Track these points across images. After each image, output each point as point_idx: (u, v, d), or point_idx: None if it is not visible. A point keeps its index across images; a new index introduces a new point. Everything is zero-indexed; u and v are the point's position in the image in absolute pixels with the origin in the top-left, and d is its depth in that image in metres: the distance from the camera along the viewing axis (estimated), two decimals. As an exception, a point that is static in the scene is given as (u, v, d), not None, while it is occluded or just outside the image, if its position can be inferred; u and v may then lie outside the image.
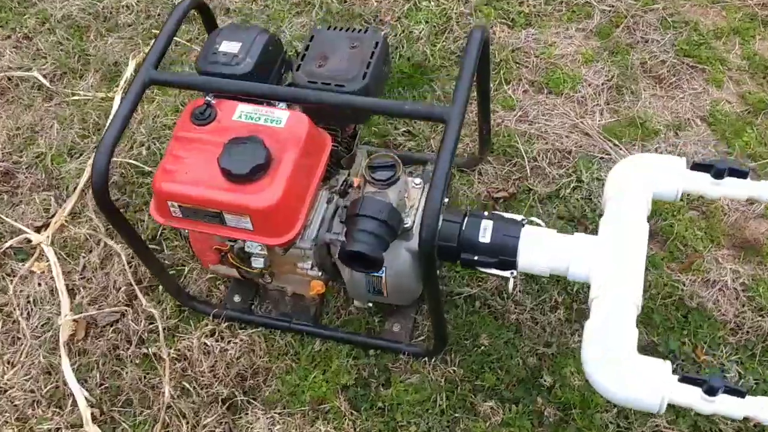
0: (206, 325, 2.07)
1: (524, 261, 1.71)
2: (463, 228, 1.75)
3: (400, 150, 2.31)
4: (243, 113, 1.73)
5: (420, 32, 2.54)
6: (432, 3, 2.62)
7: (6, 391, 2.06)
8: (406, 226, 1.70)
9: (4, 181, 2.53)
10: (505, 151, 2.27)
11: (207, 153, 1.68)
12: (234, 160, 1.62)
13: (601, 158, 2.23)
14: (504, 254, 1.72)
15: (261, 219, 1.64)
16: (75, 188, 2.43)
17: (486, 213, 1.78)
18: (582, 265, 1.68)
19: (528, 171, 2.23)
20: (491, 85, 2.40)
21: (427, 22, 2.58)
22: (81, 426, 1.99)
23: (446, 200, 1.85)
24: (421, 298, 2.01)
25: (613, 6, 2.55)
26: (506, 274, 1.73)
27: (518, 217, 1.79)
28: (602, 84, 2.38)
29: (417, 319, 2.02)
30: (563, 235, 1.73)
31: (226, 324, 2.07)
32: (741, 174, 1.74)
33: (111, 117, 1.63)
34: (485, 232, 1.73)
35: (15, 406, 2.03)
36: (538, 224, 1.78)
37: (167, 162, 1.70)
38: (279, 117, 1.72)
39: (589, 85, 2.39)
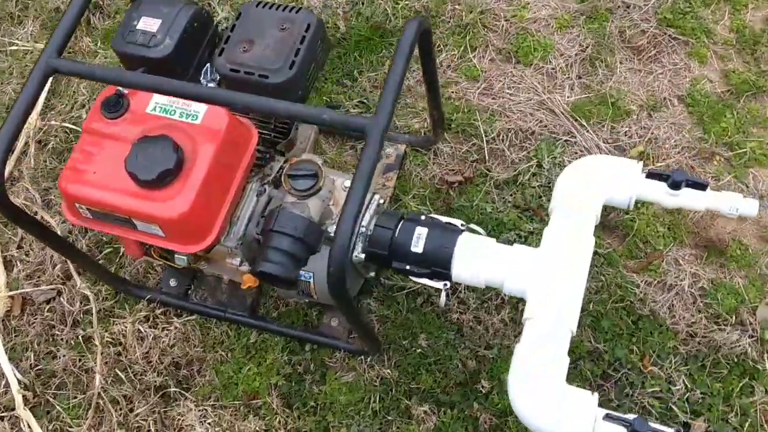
0: (141, 310, 2.00)
1: (458, 272, 1.59)
2: (396, 235, 1.62)
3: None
4: (158, 105, 1.59)
5: (383, -12, 2.33)
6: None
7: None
8: (329, 235, 1.58)
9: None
10: (464, 130, 2.11)
11: (116, 151, 1.55)
12: (141, 164, 1.49)
13: (566, 141, 2.06)
14: (437, 265, 1.60)
15: (171, 228, 1.52)
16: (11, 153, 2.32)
17: (423, 217, 1.66)
18: (518, 281, 1.56)
19: (486, 153, 2.07)
20: (456, 52, 2.23)
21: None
22: (13, 409, 1.98)
23: (381, 201, 1.73)
24: (361, 292, 1.93)
25: (594, -38, 2.30)
26: (439, 285, 1.63)
27: (457, 223, 1.67)
28: (575, 55, 2.17)
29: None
30: (502, 246, 1.61)
31: (162, 310, 2.01)
32: (700, 186, 1.59)
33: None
34: (419, 241, 1.61)
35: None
36: (477, 232, 1.65)
37: (75, 160, 1.57)
38: (196, 111, 1.57)
39: (561, 55, 2.18)
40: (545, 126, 2.09)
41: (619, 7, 2.22)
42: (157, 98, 1.59)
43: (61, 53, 1.53)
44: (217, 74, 1.71)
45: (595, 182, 1.62)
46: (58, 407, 1.95)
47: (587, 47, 2.18)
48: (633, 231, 1.93)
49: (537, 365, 1.47)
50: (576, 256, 1.56)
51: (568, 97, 2.12)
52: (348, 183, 1.64)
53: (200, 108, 1.57)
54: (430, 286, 1.83)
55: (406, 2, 2.30)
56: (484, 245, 1.62)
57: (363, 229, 1.63)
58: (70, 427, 1.93)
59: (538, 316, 1.52)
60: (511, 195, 2.01)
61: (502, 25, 2.23)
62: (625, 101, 2.10)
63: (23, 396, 1.97)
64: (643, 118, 2.07)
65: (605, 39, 2.18)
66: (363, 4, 2.31)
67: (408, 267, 1.62)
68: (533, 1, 2.27)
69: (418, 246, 1.61)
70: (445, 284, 1.62)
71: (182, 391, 1.91)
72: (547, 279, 1.55)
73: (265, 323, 1.94)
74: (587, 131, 2.06)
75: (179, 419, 1.89)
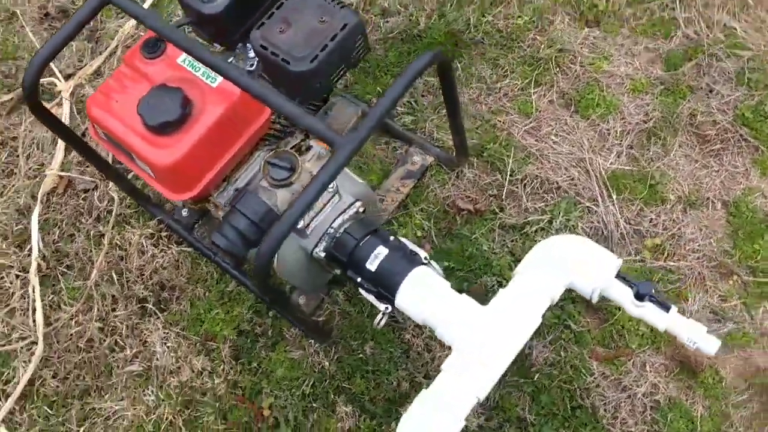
0: (150, 227, 2.19)
1: (401, 302, 1.63)
2: (358, 246, 1.67)
3: (396, 121, 2.18)
4: (187, 59, 1.70)
5: (475, -6, 2.29)
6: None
7: (-15, 215, 2.34)
8: (297, 227, 1.66)
9: (57, 19, 2.68)
10: (494, 162, 2.08)
11: (140, 89, 1.68)
12: (150, 108, 1.61)
13: (588, 207, 1.99)
14: (384, 288, 1.64)
15: (159, 172, 1.65)
16: (107, 48, 2.55)
17: (391, 238, 1.69)
18: (451, 331, 1.57)
19: (505, 192, 2.04)
20: (519, 82, 2.18)
21: (487, -16, 2.31)
22: (27, 271, 2.25)
23: (361, 209, 1.77)
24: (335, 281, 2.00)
25: (698, 34, 2.13)
26: (381, 306, 1.67)
27: (421, 254, 1.69)
28: (636, 123, 2.06)
29: (325, 299, 2.02)
30: (450, 291, 1.62)
31: (167, 233, 2.19)
32: (663, 306, 1.51)
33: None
34: (375, 259, 1.65)
35: (-16, 232, 2.31)
36: (435, 270, 1.66)
37: (106, 85, 1.72)
38: (216, 74, 1.67)
39: (622, 118, 2.08)
40: (574, 185, 2.02)
41: (702, 88, 2.06)
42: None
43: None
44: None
45: (564, 264, 1.58)
46: (61, 284, 2.21)
47: (652, 119, 2.06)
48: (614, 319, 1.86)
49: (430, 418, 1.50)
50: (514, 330, 1.54)
51: (610, 163, 2.03)
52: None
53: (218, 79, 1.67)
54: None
55: (491, 18, 2.25)
56: (435, 285, 1.63)
57: (332, 230, 1.69)
58: (64, 304, 2.18)
59: (453, 371, 1.53)
60: (511, 241, 1.99)
61: (575, 70, 2.15)
62: (665, 187, 1.98)
63: (38, 264, 2.24)
64: (677, 211, 1.95)
65: (673, 116, 2.05)
66: (451, 6, 2.29)
67: (359, 280, 1.68)
68: (618, 53, 2.16)
69: (373, 264, 1.65)
70: (387, 308, 1.66)
71: (157, 311, 2.10)
72: (477, 340, 1.55)
73: (242, 277, 2.07)
74: (613, 204, 1.97)
75: (146, 333, 2.08)
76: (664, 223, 1.94)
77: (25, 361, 2.11)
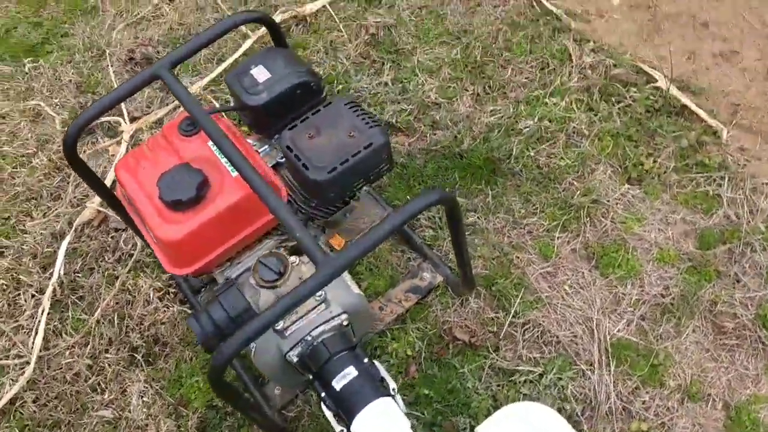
0: (161, 280, 2.26)
1: (356, 429, 1.61)
2: (330, 361, 1.67)
3: (417, 233, 2.19)
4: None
5: (525, 129, 2.29)
6: (561, 102, 2.32)
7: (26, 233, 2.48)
8: (277, 327, 1.67)
9: (140, 64, 2.86)
10: (500, 298, 2.05)
11: (167, 163, 1.76)
12: (169, 184, 1.68)
13: (582, 370, 1.91)
14: (343, 410, 1.62)
15: (162, 244, 1.71)
16: (174, 101, 2.69)
17: (365, 360, 1.68)
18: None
19: (503, 333, 2.00)
20: (546, 223, 2.14)
21: (540, 119, 2.31)
22: (42, 294, 2.35)
23: (345, 322, 1.76)
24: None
25: (739, 218, 2.05)
26: (336, 428, 1.65)
27: (391, 385, 1.67)
28: (654, 296, 1.99)
29: (299, 396, 2.01)
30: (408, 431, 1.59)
31: (175, 290, 2.25)
32: None
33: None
34: (342, 379, 1.64)
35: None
36: (399, 405, 1.63)
37: (139, 151, 1.81)
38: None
39: (641, 287, 2.01)
40: (575, 343, 1.95)
41: (730, 275, 1.98)
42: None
43: (174, 67, 1.77)
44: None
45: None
46: (69, 312, 2.30)
47: (671, 295, 1.98)
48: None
49: None
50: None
51: (617, 330, 1.96)
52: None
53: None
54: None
55: (534, 153, 2.25)
56: (393, 420, 1.60)
57: (309, 338, 1.70)
58: (65, 333, 2.26)
59: None
60: (497, 385, 1.93)
61: (605, 224, 2.10)
62: (668, 370, 1.89)
63: (54, 289, 2.35)
64: (674, 399, 1.85)
65: (694, 298, 1.96)
66: (498, 132, 2.30)
67: (323, 394, 1.67)
68: (653, 218, 2.10)
69: (339, 383, 1.64)
70: (342, 429, 1.64)
71: (144, 363, 2.15)
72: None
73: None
74: (609, 374, 1.89)
75: (128, 382, 2.13)
76: (657, 409, 1.84)
77: (12, 379, 2.20)
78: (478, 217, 2.18)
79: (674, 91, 2.24)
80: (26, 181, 2.60)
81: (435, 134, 2.37)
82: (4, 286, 2.41)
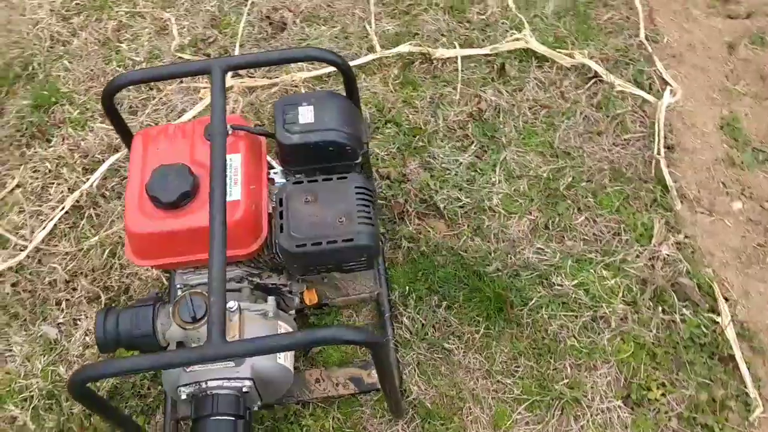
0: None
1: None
2: (208, 419, 1.63)
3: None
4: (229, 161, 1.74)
5: (557, 286, 2.08)
6: (609, 280, 2.08)
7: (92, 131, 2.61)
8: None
9: (274, 26, 2.87)
10: (428, 439, 1.91)
11: (179, 156, 1.74)
12: (160, 177, 1.66)
13: None
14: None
15: (126, 229, 1.72)
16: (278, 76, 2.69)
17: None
18: None
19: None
20: (516, 391, 1.95)
21: (578, 285, 2.08)
22: (72, 193, 2.47)
23: (246, 389, 1.70)
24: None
25: None
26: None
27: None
28: None
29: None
30: None
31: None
32: None
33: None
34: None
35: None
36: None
37: (165, 128, 1.82)
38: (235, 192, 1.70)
39: None
40: None
41: None
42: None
43: (227, 71, 1.74)
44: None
45: None
46: (82, 222, 2.41)
47: None
48: None
49: None
50: None
51: None
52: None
53: (235, 195, 1.69)
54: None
55: (547, 317, 2.04)
56: None
57: (203, 385, 1.66)
58: (66, 240, 2.37)
59: None
60: None
61: (572, 430, 1.88)
62: None
63: (80, 194, 2.46)
64: None
65: None
66: (529, 274, 2.11)
67: (186, 443, 1.64)
68: (625, 452, 1.85)
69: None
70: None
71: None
72: None
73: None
74: None
75: (83, 316, 2.21)
76: None
77: (5, 256, 2.35)
78: (456, 348, 2.03)
79: (730, 334, 1.94)
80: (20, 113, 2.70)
81: (473, 240, 2.21)
82: (48, 170, 2.57)
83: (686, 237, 2.15)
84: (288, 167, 1.88)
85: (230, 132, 1.76)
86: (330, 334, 1.40)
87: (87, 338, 2.17)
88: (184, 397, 1.69)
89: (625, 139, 2.38)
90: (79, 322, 2.21)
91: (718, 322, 1.97)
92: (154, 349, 1.64)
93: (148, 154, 1.78)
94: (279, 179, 1.91)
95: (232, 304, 1.74)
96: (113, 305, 2.05)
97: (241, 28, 2.85)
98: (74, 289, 2.29)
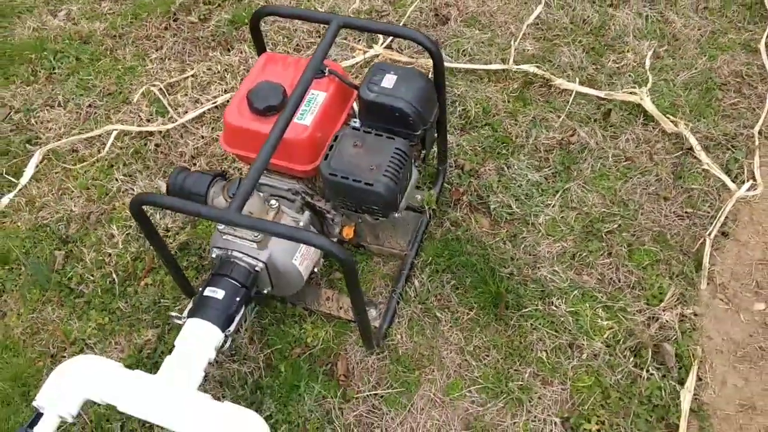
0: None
1: (185, 326, 2.03)
2: (221, 277, 2.07)
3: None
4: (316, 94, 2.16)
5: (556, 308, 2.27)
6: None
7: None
8: (219, 228, 2.10)
9: (439, 19, 3.24)
10: (395, 377, 2.21)
11: (283, 78, 2.19)
12: (261, 87, 2.12)
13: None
14: (192, 307, 2.05)
15: (223, 118, 2.20)
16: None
17: (238, 300, 2.04)
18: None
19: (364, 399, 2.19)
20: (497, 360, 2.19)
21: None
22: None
23: (258, 270, 2.12)
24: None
25: None
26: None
27: (232, 328, 2.02)
28: None
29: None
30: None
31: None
32: None
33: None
34: (210, 290, 2.04)
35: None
36: (219, 341, 1.99)
37: (285, 57, 2.28)
38: (302, 114, 2.11)
39: None
40: None
41: None
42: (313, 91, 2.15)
43: (342, 27, 2.15)
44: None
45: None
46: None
47: None
48: None
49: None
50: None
51: None
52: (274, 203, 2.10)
53: (307, 121, 2.11)
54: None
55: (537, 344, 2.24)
56: (200, 343, 1.97)
57: (229, 251, 2.10)
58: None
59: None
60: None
61: (505, 423, 2.10)
62: None
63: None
64: None
65: None
66: (533, 299, 2.32)
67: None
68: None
69: (207, 290, 2.05)
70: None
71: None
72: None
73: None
74: None
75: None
76: None
77: (158, 123, 2.98)
78: (445, 320, 2.31)
79: (685, 407, 2.02)
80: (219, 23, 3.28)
81: (504, 244, 2.46)
82: (217, 71, 3.17)
83: (694, 314, 2.23)
84: (363, 119, 2.26)
85: (326, 73, 2.19)
86: (317, 240, 1.75)
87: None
88: (214, 255, 2.15)
89: (686, 212, 2.47)
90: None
91: (679, 392, 2.06)
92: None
93: (264, 70, 2.26)
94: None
95: (274, 202, 2.17)
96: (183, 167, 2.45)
97: (409, 11, 3.27)
98: (194, 164, 2.86)
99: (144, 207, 1.92)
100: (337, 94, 2.23)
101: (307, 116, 2.14)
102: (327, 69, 2.17)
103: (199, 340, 1.98)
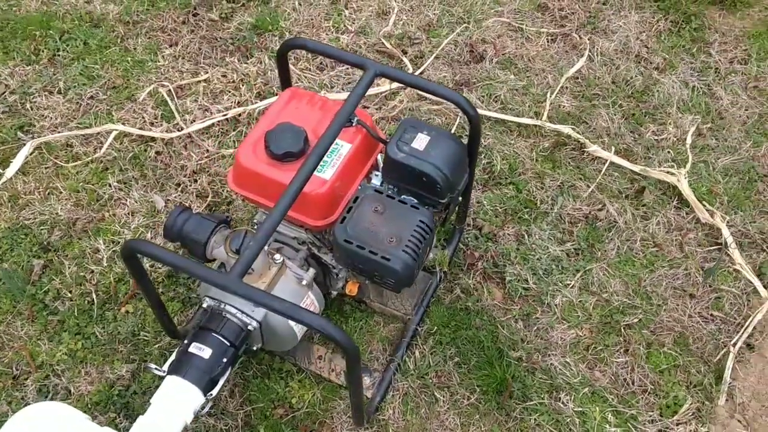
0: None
1: (163, 384, 1.85)
2: (209, 332, 1.90)
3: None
4: (339, 146, 1.98)
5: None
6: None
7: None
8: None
9: (473, 58, 3.05)
10: None
11: (307, 120, 2.01)
12: (280, 130, 1.94)
13: None
14: (173, 363, 1.88)
15: (234, 157, 2.01)
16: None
17: (224, 361, 1.87)
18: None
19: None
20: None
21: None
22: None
23: (251, 329, 1.94)
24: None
25: None
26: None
27: (214, 392, 1.85)
28: None
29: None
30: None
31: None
32: None
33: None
34: (196, 347, 1.87)
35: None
36: (198, 405, 1.82)
37: (313, 95, 2.08)
38: (322, 167, 1.93)
39: None
40: None
41: None
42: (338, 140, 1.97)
43: (378, 77, 1.96)
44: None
45: None
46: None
47: None
48: None
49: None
50: None
51: None
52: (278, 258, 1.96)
53: (327, 174, 1.93)
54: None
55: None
56: (179, 406, 1.80)
57: (222, 304, 1.92)
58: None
59: None
60: None
61: None
62: None
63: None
64: None
65: None
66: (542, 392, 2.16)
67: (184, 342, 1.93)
68: None
69: (192, 346, 1.87)
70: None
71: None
72: None
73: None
74: None
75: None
76: None
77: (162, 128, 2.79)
78: (443, 401, 2.15)
79: None
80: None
81: (516, 322, 2.29)
82: (232, 80, 2.97)
83: (708, 433, 2.09)
84: (386, 176, 2.08)
85: (354, 123, 2.01)
86: (317, 321, 1.58)
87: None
88: (205, 305, 1.97)
89: (712, 315, 2.32)
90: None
91: None
92: (199, 256, 1.94)
93: (287, 108, 2.06)
94: (375, 181, 2.12)
95: (278, 257, 1.99)
96: (191, 207, 2.29)
97: (444, 43, 3.07)
98: (195, 181, 2.67)
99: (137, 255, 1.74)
100: (363, 147, 2.04)
101: (327, 169, 1.96)
102: (356, 119, 1.99)
103: (177, 403, 1.81)
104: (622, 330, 2.28)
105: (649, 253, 2.46)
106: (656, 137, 2.78)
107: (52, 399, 2.18)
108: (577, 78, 2.97)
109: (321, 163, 1.92)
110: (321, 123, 2.01)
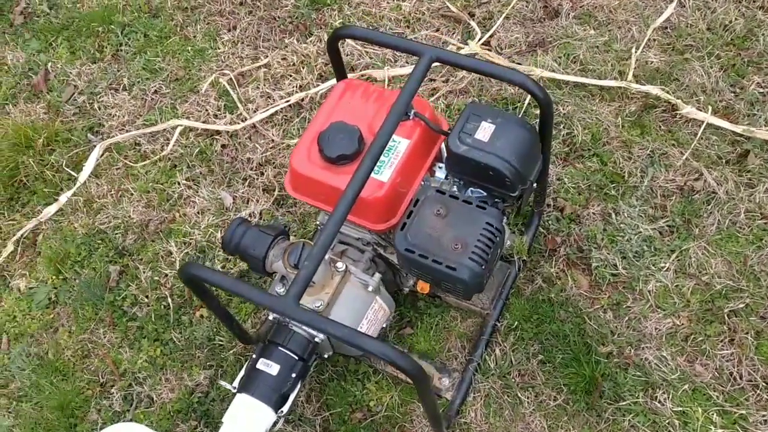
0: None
1: (234, 402, 1.83)
2: (276, 346, 1.85)
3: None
4: (400, 142, 1.84)
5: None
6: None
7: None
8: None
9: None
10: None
11: (364, 116, 1.87)
12: (334, 130, 1.82)
13: None
14: (244, 377, 1.84)
15: (289, 162, 1.91)
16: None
17: (293, 376, 1.82)
18: None
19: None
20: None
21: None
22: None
23: (318, 341, 1.87)
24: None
25: None
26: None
27: (285, 409, 1.81)
28: None
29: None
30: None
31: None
32: None
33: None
34: (264, 363, 1.83)
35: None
36: (270, 422, 1.78)
37: (368, 87, 1.94)
38: (379, 167, 1.80)
39: None
40: None
41: None
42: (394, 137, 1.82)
43: (434, 62, 1.79)
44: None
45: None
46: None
47: None
48: None
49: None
50: None
51: None
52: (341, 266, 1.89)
53: (384, 176, 1.80)
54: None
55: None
56: (249, 423, 1.78)
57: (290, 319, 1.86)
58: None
59: None
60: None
61: None
62: None
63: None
64: None
65: None
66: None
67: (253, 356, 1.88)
68: None
69: (261, 362, 1.83)
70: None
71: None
72: None
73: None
74: None
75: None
76: None
77: (226, 120, 2.72)
78: (528, 402, 2.02)
79: None
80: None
81: (605, 312, 2.11)
82: (293, 63, 2.85)
83: (831, 434, 1.86)
84: (450, 169, 1.93)
85: (411, 116, 1.85)
86: (380, 348, 1.48)
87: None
88: (271, 317, 1.92)
89: (834, 297, 2.06)
90: (249, 203, 2.53)
91: None
92: (259, 270, 1.87)
93: (340, 103, 1.93)
94: (439, 175, 1.97)
95: (340, 264, 1.90)
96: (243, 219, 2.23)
97: (514, 1, 2.82)
98: (261, 174, 2.60)
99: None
100: (422, 141, 1.89)
101: (384, 169, 1.83)
102: (413, 111, 1.83)
103: (248, 422, 1.78)
104: (726, 317, 2.06)
105: (756, 226, 2.20)
106: (762, 90, 2.45)
107: (136, 407, 2.22)
108: (666, 28, 2.65)
109: (378, 163, 1.80)
110: (377, 117, 1.87)
